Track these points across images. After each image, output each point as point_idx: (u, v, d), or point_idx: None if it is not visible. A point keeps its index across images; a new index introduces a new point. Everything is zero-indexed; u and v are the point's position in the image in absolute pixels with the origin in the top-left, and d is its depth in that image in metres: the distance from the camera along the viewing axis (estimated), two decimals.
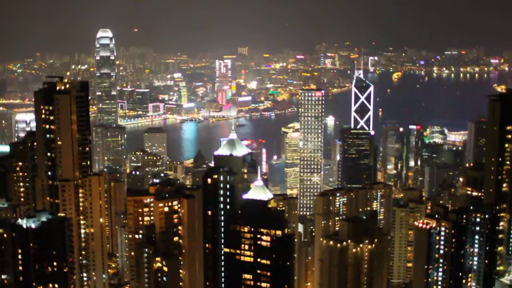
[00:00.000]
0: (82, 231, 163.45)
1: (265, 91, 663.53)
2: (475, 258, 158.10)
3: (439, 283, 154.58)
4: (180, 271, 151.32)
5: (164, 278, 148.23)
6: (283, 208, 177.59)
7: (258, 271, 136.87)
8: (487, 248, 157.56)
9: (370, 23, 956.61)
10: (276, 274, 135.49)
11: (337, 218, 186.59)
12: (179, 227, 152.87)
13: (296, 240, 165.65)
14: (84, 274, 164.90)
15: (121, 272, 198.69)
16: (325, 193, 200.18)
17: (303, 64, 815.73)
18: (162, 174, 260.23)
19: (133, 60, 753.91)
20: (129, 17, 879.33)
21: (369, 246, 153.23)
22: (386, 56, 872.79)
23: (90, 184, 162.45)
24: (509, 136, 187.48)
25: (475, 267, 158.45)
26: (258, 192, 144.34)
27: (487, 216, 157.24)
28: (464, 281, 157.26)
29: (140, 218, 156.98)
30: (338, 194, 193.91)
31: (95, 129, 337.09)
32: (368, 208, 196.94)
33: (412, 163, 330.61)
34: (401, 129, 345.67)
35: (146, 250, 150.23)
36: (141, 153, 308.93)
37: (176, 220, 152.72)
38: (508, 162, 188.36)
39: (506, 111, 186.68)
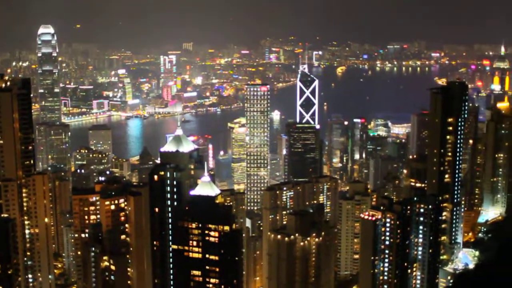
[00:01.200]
0: (27, 231, 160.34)
1: (211, 87, 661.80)
2: (420, 248, 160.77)
3: (385, 273, 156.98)
4: (128, 269, 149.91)
5: (112, 277, 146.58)
6: (231, 203, 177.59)
7: (207, 267, 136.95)
8: (431, 238, 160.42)
9: (314, 18, 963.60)
10: (224, 269, 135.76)
11: (284, 212, 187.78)
12: (126, 225, 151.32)
13: (244, 235, 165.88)
14: (30, 276, 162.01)
15: (68, 272, 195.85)
16: (272, 188, 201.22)
17: (248, 59, 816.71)
18: (107, 172, 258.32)
19: (76, 56, 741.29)
20: (71, 13, 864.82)
21: (316, 239, 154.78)
22: (330, 51, 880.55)
23: (34, 184, 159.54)
24: (450, 128, 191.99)
25: (419, 257, 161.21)
26: (205, 188, 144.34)
27: (430, 206, 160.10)
28: (409, 270, 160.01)
29: (86, 217, 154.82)
30: (285, 188, 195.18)
31: (38, 127, 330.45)
32: (315, 202, 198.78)
33: (357, 156, 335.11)
34: (346, 123, 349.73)
35: (93, 249, 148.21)
36: (86, 151, 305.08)
37: (123, 218, 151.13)
38: (449, 154, 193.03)
39: (447, 103, 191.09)
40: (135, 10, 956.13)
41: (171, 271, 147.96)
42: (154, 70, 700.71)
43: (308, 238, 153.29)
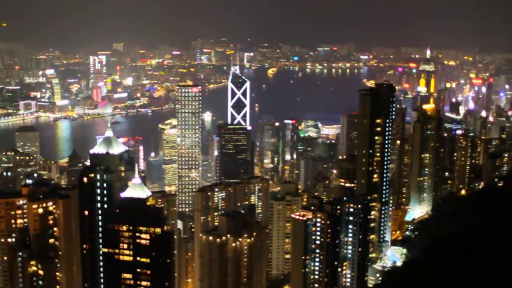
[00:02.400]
0: None
1: (141, 88, 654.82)
2: (349, 247, 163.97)
3: (316, 272, 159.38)
4: (57, 273, 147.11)
5: (40, 282, 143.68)
6: (162, 205, 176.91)
7: (138, 270, 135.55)
8: (360, 236, 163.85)
9: (245, 20, 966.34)
10: (156, 272, 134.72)
11: (216, 213, 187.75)
12: (55, 229, 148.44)
13: (175, 236, 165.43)
14: None
15: None
16: (204, 189, 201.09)
17: (179, 60, 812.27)
18: (35, 175, 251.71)
19: (2, 56, 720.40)
20: None
21: (248, 240, 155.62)
22: (261, 52, 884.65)
23: None
24: (379, 129, 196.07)
25: (349, 256, 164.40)
26: (136, 190, 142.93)
27: (359, 206, 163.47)
28: (339, 269, 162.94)
29: (12, 221, 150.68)
30: (216, 190, 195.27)
31: None
32: (246, 202, 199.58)
33: (288, 157, 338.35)
34: (277, 124, 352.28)
35: (20, 253, 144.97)
36: (13, 153, 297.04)
37: (51, 222, 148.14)
38: (378, 154, 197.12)
39: (375, 105, 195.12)
40: (64, 9, 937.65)
41: (102, 274, 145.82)
42: (84, 70, 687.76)
43: (240, 239, 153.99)
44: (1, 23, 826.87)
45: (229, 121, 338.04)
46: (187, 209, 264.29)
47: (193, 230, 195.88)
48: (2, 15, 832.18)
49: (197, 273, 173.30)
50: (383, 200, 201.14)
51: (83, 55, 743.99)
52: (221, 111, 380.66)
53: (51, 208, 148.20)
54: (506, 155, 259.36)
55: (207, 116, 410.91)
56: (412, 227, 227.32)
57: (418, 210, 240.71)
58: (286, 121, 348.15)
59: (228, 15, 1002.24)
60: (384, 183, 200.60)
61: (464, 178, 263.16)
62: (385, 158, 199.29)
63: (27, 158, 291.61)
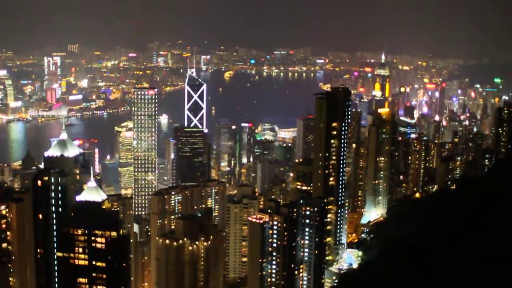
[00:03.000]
0: None
1: (97, 90, 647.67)
2: (306, 250, 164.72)
3: (273, 275, 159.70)
4: (10, 278, 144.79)
5: None
6: (118, 208, 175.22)
7: (94, 274, 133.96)
8: (317, 239, 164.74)
9: (201, 22, 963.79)
10: (112, 276, 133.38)
11: (172, 217, 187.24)
12: (8, 233, 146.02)
13: (132, 240, 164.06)
14: None
15: None
16: (160, 192, 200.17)
17: (135, 62, 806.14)
18: None
19: None
20: None
21: (205, 243, 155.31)
22: (218, 55, 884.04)
23: None
24: (335, 132, 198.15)
25: (306, 258, 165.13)
26: (91, 193, 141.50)
27: (316, 209, 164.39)
28: (296, 272, 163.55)
29: None
30: (173, 193, 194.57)
31: None
32: (203, 206, 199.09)
33: (245, 160, 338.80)
34: (233, 127, 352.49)
35: None
36: None
37: (4, 226, 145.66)
38: (334, 157, 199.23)
39: (331, 108, 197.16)
40: (17, 8, 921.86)
41: (56, 279, 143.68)
42: (38, 71, 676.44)
43: (197, 242, 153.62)
44: None
45: (185, 124, 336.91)
46: (143, 213, 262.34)
47: (149, 233, 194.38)
48: None
49: (154, 277, 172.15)
50: (339, 203, 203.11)
51: (37, 56, 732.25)
52: (178, 114, 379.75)
53: (4, 212, 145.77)
54: (459, 158, 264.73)
55: (164, 119, 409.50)
56: (367, 230, 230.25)
57: (373, 213, 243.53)
58: (243, 124, 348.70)
59: (185, 17, 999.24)
60: (340, 186, 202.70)
61: (418, 181, 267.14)
62: (341, 162, 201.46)
63: None
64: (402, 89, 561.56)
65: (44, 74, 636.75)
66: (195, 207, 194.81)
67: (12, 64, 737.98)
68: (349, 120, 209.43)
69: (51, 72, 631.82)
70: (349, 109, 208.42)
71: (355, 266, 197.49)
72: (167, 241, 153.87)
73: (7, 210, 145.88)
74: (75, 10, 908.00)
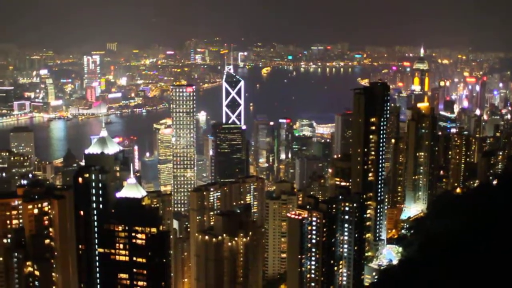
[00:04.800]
0: None
1: (136, 88, 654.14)
2: (345, 246, 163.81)
3: (312, 271, 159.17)
4: (53, 274, 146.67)
5: (36, 283, 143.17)
6: (157, 205, 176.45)
7: (134, 270, 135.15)
8: (356, 235, 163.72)
9: (239, 19, 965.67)
10: (152, 272, 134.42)
11: (211, 213, 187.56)
12: (50, 229, 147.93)
13: (171, 236, 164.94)
14: None
15: None
16: (199, 189, 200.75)
17: (173, 59, 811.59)
18: (30, 175, 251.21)
19: None
20: None
21: (244, 239, 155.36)
22: (255, 52, 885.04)
23: None
24: (373, 128, 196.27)
25: (345, 254, 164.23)
26: (131, 190, 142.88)
27: (355, 205, 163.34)
28: (335, 268, 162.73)
29: (8, 222, 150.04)
30: (212, 189, 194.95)
31: None
32: (242, 202, 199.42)
33: (283, 156, 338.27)
34: (271, 123, 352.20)
35: (16, 254, 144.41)
36: (7, 154, 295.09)
37: (46, 222, 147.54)
38: (373, 153, 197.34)
39: (370, 103, 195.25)
40: (58, 9, 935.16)
41: (98, 275, 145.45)
42: (77, 70, 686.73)
43: (236, 238, 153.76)
44: None
45: (223, 120, 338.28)
46: (182, 209, 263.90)
47: (189, 230, 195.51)
48: None
49: (193, 272, 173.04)
50: (379, 198, 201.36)
51: (77, 55, 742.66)
52: (216, 111, 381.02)
53: (46, 209, 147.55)
54: (500, 153, 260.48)
55: (202, 116, 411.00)
56: (407, 226, 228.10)
57: (413, 209, 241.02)
58: (281, 120, 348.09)
59: (222, 14, 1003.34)
60: (379, 182, 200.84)
61: (458, 177, 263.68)
62: (380, 157, 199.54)
63: (22, 158, 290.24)
64: (442, 83, 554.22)
65: (83, 72, 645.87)
66: (234, 204, 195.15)
67: (53, 64, 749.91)
68: (387, 115, 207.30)
69: (90, 70, 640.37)
70: (388, 104, 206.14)
71: (395, 262, 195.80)
72: (207, 237, 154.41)
73: (49, 207, 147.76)
74: (113, 9, 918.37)
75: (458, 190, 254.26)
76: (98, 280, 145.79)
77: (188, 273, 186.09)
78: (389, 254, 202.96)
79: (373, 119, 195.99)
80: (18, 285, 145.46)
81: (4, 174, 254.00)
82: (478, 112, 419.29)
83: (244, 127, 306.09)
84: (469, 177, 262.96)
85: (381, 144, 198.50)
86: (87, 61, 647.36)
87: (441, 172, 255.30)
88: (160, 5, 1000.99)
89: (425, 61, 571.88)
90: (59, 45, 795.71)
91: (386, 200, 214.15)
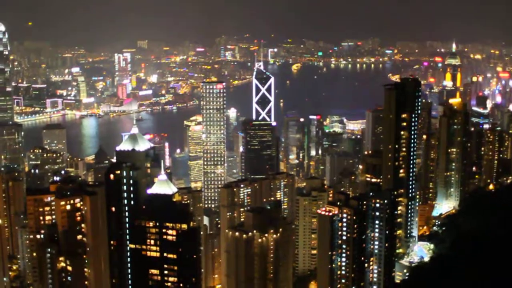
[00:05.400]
0: None
1: (166, 85, 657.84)
2: (376, 242, 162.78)
3: (343, 268, 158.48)
4: (85, 269, 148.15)
5: (69, 278, 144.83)
6: (188, 201, 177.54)
7: (165, 266, 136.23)
8: (387, 232, 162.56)
9: (268, 15, 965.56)
10: (183, 267, 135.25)
11: (241, 209, 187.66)
12: (82, 225, 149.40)
13: (202, 232, 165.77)
14: None
15: (23, 274, 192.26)
16: (229, 185, 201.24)
17: (203, 56, 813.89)
18: (62, 172, 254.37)
19: (28, 54, 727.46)
20: (22, 10, 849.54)
21: (274, 236, 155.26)
22: (285, 48, 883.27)
23: None
24: (404, 124, 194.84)
25: (376, 251, 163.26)
26: (162, 186, 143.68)
27: (386, 201, 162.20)
28: (366, 265, 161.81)
29: (41, 218, 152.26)
30: (242, 186, 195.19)
31: None
32: (272, 198, 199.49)
33: (313, 153, 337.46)
34: (301, 120, 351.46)
35: (49, 250, 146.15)
36: (40, 151, 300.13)
37: (79, 218, 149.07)
38: (404, 149, 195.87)
39: (401, 99, 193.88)
40: (88, 7, 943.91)
41: (129, 270, 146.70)
42: (109, 68, 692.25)
43: (266, 235, 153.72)
44: (27, 22, 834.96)
45: (253, 117, 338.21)
46: (213, 205, 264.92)
47: (219, 226, 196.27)
48: (28, 15, 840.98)
49: (224, 269, 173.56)
50: (410, 195, 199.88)
51: (108, 53, 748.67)
52: (246, 107, 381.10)
53: (78, 205, 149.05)
54: None
55: (232, 113, 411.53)
56: (439, 222, 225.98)
57: (445, 205, 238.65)
58: (311, 117, 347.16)
59: (252, 11, 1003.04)
60: (411, 178, 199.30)
61: (491, 173, 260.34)
62: (411, 153, 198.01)
63: (54, 155, 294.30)
64: (474, 79, 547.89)
65: (115, 70, 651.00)
66: (264, 200, 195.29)
67: (85, 62, 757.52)
68: (419, 111, 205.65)
69: (121, 68, 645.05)
70: (419, 100, 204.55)
71: (426, 259, 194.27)
72: (237, 233, 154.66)
73: (81, 203, 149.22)
74: (143, 6, 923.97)
75: (491, 186, 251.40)
76: (129, 276, 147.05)
77: (219, 269, 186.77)
78: (421, 251, 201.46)
79: (404, 115, 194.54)
80: (51, 280, 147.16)
81: (37, 171, 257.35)
82: (511, 107, 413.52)
83: (274, 123, 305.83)
84: (502, 174, 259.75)
85: (412, 140, 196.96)
86: (118, 58, 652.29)
87: (474, 168, 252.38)
88: (191, 2, 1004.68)
89: (457, 56, 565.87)
90: (91, 43, 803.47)
91: (418, 196, 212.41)
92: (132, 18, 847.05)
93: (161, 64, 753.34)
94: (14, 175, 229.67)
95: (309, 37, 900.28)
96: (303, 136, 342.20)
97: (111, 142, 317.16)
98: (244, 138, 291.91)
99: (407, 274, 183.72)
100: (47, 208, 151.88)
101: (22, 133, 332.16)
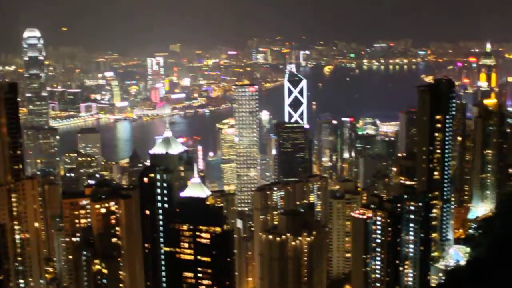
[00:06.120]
0: (17, 236, 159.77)
1: (199, 88, 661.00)
2: (411, 246, 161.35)
3: (377, 271, 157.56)
4: (120, 272, 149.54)
5: (104, 280, 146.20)
6: (221, 204, 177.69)
7: (199, 269, 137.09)
8: (422, 235, 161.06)
9: (300, 17, 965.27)
10: (217, 270, 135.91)
11: (275, 212, 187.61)
12: (117, 228, 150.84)
13: (235, 235, 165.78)
14: (21, 281, 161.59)
15: (59, 277, 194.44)
16: (263, 188, 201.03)
17: (235, 59, 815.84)
18: (97, 175, 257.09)
19: (63, 59, 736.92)
20: (57, 16, 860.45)
21: (308, 239, 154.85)
22: (317, 50, 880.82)
23: (23, 188, 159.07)
24: (439, 125, 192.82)
25: (411, 254, 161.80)
26: (195, 189, 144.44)
27: (420, 204, 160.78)
28: (401, 268, 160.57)
29: (76, 221, 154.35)
30: (275, 189, 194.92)
31: (26, 132, 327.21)
32: (305, 201, 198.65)
33: (346, 155, 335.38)
34: (334, 122, 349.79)
35: (84, 252, 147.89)
36: (75, 155, 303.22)
37: (113, 221, 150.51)
38: (438, 151, 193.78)
39: (435, 101, 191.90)
40: (121, 12, 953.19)
41: (163, 273, 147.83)
42: (142, 72, 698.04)
43: (300, 238, 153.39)
44: (61, 28, 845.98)
45: (286, 119, 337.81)
46: (246, 208, 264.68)
47: (252, 229, 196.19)
48: (63, 20, 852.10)
49: (257, 272, 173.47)
50: (445, 197, 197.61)
51: (141, 57, 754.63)
52: (278, 110, 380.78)
53: (113, 208, 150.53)
54: None
55: (264, 115, 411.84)
56: (475, 225, 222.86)
57: (481, 208, 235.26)
58: (344, 119, 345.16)
59: (283, 13, 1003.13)
60: (445, 181, 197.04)
61: None
62: (446, 155, 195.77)
63: (89, 159, 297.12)
64: (510, 79, 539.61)
65: (147, 74, 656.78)
66: (298, 203, 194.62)
67: (118, 66, 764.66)
68: (453, 112, 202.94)
69: (154, 72, 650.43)
70: (453, 101, 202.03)
71: (462, 262, 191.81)
72: (270, 236, 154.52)
73: (116, 206, 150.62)
74: (175, 10, 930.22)
75: None
76: (163, 279, 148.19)
77: (252, 272, 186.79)
78: (457, 255, 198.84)
79: (438, 117, 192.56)
80: (87, 282, 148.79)
81: (72, 174, 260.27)
82: None
83: (307, 126, 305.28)
84: None
85: (446, 142, 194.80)
86: (151, 62, 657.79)
87: (510, 170, 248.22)
88: (222, 5, 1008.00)
89: (492, 56, 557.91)
90: (124, 48, 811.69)
91: (453, 199, 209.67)
92: (164, 22, 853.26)
93: (193, 68, 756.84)
94: (50, 179, 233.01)
95: (341, 39, 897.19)
96: (336, 139, 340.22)
97: (145, 146, 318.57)
98: (277, 141, 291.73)
99: (443, 278, 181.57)
100: (82, 212, 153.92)
101: (58, 137, 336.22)
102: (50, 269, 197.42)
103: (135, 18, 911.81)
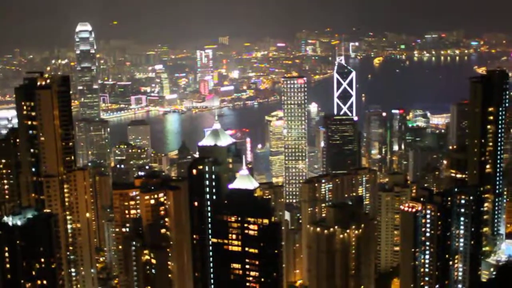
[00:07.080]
0: (69, 226, 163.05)
1: (247, 80, 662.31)
2: (461, 240, 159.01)
3: (426, 265, 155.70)
4: (169, 262, 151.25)
5: (153, 271, 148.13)
6: (269, 196, 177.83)
7: (247, 260, 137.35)
8: (473, 229, 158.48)
9: (349, 9, 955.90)
10: (264, 262, 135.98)
11: (323, 205, 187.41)
12: (166, 219, 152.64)
13: (283, 227, 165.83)
14: (73, 270, 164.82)
15: (110, 266, 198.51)
16: (311, 180, 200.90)
17: (284, 51, 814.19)
18: (147, 167, 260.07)
19: (113, 53, 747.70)
20: (107, 10, 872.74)
21: (356, 231, 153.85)
22: (366, 42, 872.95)
23: (75, 179, 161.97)
24: (491, 118, 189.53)
25: (461, 249, 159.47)
26: (243, 181, 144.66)
27: (471, 197, 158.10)
28: (451, 262, 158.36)
29: (126, 212, 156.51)
30: (323, 181, 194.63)
31: (78, 124, 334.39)
32: (354, 194, 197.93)
33: (396, 148, 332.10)
34: (384, 114, 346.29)
35: (134, 243, 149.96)
36: (125, 146, 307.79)
37: (162, 212, 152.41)
38: (490, 144, 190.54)
39: (487, 92, 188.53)
40: (171, 5, 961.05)
41: (211, 264, 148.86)
42: (191, 64, 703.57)
43: (348, 231, 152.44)
44: (112, 21, 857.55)
45: (335, 112, 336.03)
46: (294, 201, 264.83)
47: (300, 221, 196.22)
48: (113, 14, 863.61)
49: (305, 264, 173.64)
50: (497, 191, 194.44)
51: (190, 49, 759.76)
52: (327, 102, 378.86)
53: (162, 199, 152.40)
54: None
55: (313, 107, 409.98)
56: None
57: None
58: (393, 111, 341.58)
59: (333, 4, 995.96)
60: (498, 174, 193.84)
61: None
62: (498, 148, 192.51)
63: (139, 151, 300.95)
64: None
65: (197, 66, 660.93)
66: (346, 195, 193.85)
67: (167, 59, 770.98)
68: (506, 105, 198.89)
69: (203, 64, 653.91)
70: (507, 92, 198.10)
71: None
72: (318, 229, 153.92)
73: (165, 197, 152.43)
74: (225, 2, 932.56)
75: None
76: (211, 269, 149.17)
77: (300, 264, 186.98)
78: (509, 250, 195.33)
79: (491, 109, 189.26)
80: (136, 272, 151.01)
81: (122, 166, 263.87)
82: None
83: (356, 118, 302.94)
84: None
85: (499, 135, 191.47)
86: (200, 55, 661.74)
87: None
88: None
89: None
90: (173, 41, 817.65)
91: (505, 193, 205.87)
92: (213, 14, 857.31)
93: (242, 60, 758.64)
94: (101, 170, 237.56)
95: (391, 30, 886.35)
96: (386, 131, 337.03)
97: (194, 138, 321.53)
98: (325, 133, 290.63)
99: (494, 273, 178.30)
100: (132, 202, 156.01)
101: (108, 129, 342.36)
102: (101, 259, 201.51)
103: (184, 11, 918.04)
